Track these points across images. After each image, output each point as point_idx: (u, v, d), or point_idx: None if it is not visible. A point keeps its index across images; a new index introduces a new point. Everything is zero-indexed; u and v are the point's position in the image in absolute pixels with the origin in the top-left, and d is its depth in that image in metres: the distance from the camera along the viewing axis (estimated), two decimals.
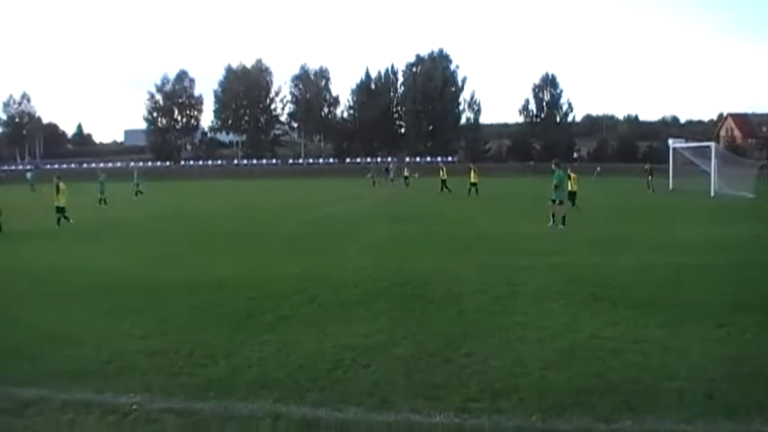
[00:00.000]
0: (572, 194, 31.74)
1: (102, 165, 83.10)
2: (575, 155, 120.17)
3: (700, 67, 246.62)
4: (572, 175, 32.33)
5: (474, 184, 46.26)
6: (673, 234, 22.19)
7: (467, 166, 51.60)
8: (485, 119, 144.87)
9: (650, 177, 51.90)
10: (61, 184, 28.13)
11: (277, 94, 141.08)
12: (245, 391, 7.21)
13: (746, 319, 9.95)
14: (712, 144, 53.09)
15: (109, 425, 6.42)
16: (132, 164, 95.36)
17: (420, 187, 53.88)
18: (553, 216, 25.00)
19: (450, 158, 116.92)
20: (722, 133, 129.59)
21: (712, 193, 46.00)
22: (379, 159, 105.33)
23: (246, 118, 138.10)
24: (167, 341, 9.24)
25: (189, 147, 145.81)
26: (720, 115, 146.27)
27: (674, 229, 23.90)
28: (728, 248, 18.61)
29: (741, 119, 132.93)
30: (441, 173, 52.74)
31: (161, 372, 7.94)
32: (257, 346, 8.89)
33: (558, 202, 25.29)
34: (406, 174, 64.31)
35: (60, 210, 27.62)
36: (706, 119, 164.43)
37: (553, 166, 26.69)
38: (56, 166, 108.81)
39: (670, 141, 61.16)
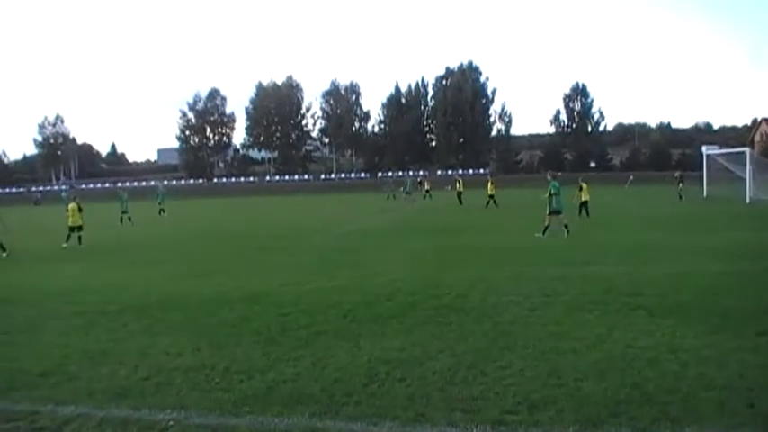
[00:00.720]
0: (584, 204, 32.36)
1: (126, 184, 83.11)
2: (591, 164, 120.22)
3: (732, 72, 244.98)
4: (583, 185, 32.98)
5: (491, 196, 46.40)
6: (708, 241, 21.96)
7: (498, 179, 51.64)
8: (516, 130, 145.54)
9: (681, 185, 51.42)
10: (71, 205, 28.51)
11: (308, 110, 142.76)
12: (281, 406, 7.21)
13: None
14: (747, 150, 52.55)
15: None
16: (165, 182, 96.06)
17: (448, 201, 53.56)
18: (547, 227, 25.33)
19: (482, 170, 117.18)
20: (757, 138, 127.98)
21: (747, 200, 45.57)
22: (410, 173, 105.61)
23: (278, 134, 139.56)
24: (202, 357, 9.28)
25: (221, 164, 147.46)
26: (754, 120, 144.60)
27: (709, 237, 23.67)
28: (765, 255, 18.40)
29: None
30: (457, 185, 52.88)
31: (197, 388, 7.98)
32: (292, 362, 8.90)
33: (556, 212, 25.62)
34: (426, 187, 64.36)
35: (72, 229, 28.21)
36: (740, 124, 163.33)
37: (549, 177, 26.88)
38: (90, 186, 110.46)
39: (703, 148, 60.61)
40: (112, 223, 42.06)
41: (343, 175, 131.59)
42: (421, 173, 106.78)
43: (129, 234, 34.57)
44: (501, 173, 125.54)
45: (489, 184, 48.30)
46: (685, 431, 6.22)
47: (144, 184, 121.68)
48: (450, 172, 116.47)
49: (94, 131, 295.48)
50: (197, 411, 7.16)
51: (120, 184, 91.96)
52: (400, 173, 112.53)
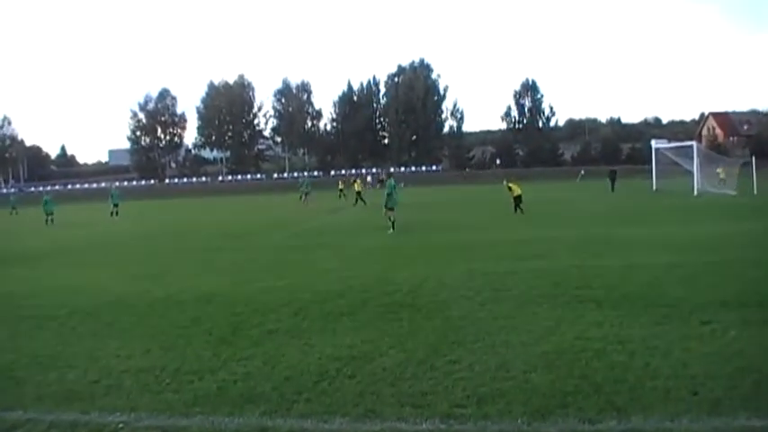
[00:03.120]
0: (517, 199, 33.24)
1: (48, 188, 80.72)
2: (497, 161, 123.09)
3: (681, 67, 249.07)
4: (510, 185, 34.05)
5: (359, 193, 47.34)
6: (656, 234, 22.35)
7: (451, 175, 51.98)
8: (468, 126, 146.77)
9: (611, 181, 55.43)
10: None
11: (260, 109, 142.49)
12: (232, 406, 7.20)
13: (730, 316, 10.00)
14: (694, 143, 53.61)
15: None
16: (117, 183, 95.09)
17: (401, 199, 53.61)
18: (392, 223, 27.36)
19: (434, 167, 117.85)
20: (704, 132, 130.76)
21: (695, 193, 46.39)
22: (363, 171, 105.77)
23: (230, 134, 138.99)
24: (153, 359, 9.21)
25: (173, 164, 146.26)
26: (702, 115, 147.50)
27: (657, 230, 24.10)
28: (712, 246, 18.74)
29: (722, 117, 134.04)
30: (356, 185, 53.07)
31: (147, 390, 7.92)
32: (243, 361, 8.87)
33: (390, 208, 27.63)
34: (340, 187, 64.83)
35: None
36: (688, 119, 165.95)
37: (385, 177, 30.16)
38: (40, 189, 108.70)
39: (653, 142, 61.79)
40: (62, 225, 41.55)
41: (296, 174, 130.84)
42: (374, 171, 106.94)
43: (80, 236, 34.07)
44: (453, 169, 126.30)
45: (357, 181, 49.49)
46: (631, 420, 6.32)
47: (95, 185, 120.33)
48: (403, 169, 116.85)
49: (43, 133, 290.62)
50: (147, 413, 7.11)
51: (42, 188, 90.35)
52: (353, 170, 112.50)
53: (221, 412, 7.02)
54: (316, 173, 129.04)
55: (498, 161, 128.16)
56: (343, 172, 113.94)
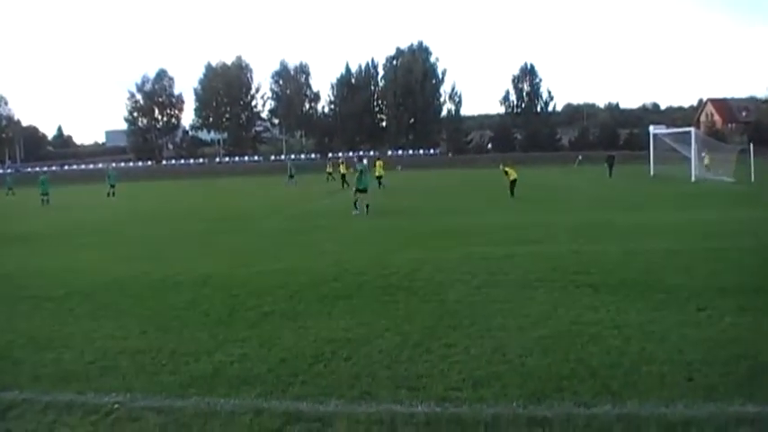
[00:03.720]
0: (513, 183, 33.47)
1: (45, 169, 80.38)
2: (489, 146, 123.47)
3: (680, 53, 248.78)
4: (507, 169, 34.11)
5: (379, 177, 46.83)
6: (654, 220, 22.38)
7: (448, 159, 51.80)
8: (466, 110, 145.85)
9: (608, 166, 55.16)
10: None
11: (257, 90, 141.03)
12: (227, 387, 7.20)
13: (726, 303, 10.01)
14: (692, 130, 53.48)
15: (91, 424, 6.40)
16: (114, 164, 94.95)
17: (395, 183, 53.27)
18: (356, 203, 28.20)
19: (432, 150, 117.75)
20: (702, 119, 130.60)
21: (693, 179, 46.37)
22: (361, 153, 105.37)
23: (227, 115, 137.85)
24: (149, 341, 9.21)
25: (170, 146, 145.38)
26: (700, 101, 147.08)
27: (655, 216, 24.14)
28: (709, 233, 18.77)
29: (721, 104, 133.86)
30: (341, 167, 52.74)
31: (143, 371, 7.92)
32: (239, 343, 8.88)
33: (361, 190, 28.51)
34: (329, 170, 64.41)
35: None
36: (686, 105, 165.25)
37: (355, 160, 31.43)
38: (37, 169, 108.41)
39: (651, 128, 61.70)
40: (59, 206, 41.49)
41: (293, 156, 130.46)
42: (371, 153, 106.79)
43: (77, 217, 34.07)
44: (451, 153, 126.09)
45: (377, 164, 49.16)
46: (626, 404, 6.33)
47: (92, 166, 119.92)
48: (400, 152, 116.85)
49: (40, 113, 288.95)
50: (143, 394, 7.11)
51: (38, 169, 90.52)
52: (350, 153, 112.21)
53: (217, 393, 7.02)
54: (313, 155, 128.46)
55: (490, 146, 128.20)
56: (340, 154, 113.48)
